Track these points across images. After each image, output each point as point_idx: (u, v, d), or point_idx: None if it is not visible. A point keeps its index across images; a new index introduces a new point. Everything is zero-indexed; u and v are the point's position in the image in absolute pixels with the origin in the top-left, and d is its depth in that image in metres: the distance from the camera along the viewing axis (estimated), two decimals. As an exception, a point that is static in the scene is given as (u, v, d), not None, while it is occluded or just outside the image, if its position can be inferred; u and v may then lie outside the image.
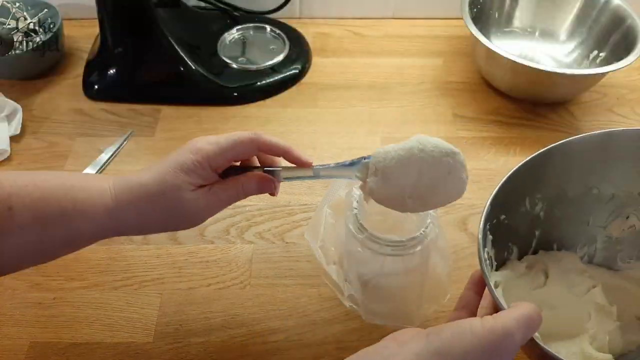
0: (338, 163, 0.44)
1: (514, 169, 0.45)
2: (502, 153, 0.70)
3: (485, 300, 0.43)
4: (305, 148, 0.70)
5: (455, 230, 0.62)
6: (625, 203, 0.50)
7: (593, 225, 0.52)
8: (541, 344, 0.36)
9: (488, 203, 0.43)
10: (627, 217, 0.51)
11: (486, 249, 0.43)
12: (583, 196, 0.50)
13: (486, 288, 0.43)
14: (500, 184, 0.44)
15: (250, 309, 0.55)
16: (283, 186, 0.65)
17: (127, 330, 0.53)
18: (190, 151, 0.41)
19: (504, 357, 0.33)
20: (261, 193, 0.45)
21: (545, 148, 0.46)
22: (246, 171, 0.44)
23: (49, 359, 0.51)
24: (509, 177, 0.44)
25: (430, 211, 0.46)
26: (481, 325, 0.33)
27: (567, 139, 0.46)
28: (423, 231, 0.45)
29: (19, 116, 0.70)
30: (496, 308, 0.42)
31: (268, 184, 0.44)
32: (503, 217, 0.46)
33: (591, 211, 0.51)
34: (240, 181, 0.43)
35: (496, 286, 0.47)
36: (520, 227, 0.49)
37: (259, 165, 0.46)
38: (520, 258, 0.51)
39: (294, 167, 0.44)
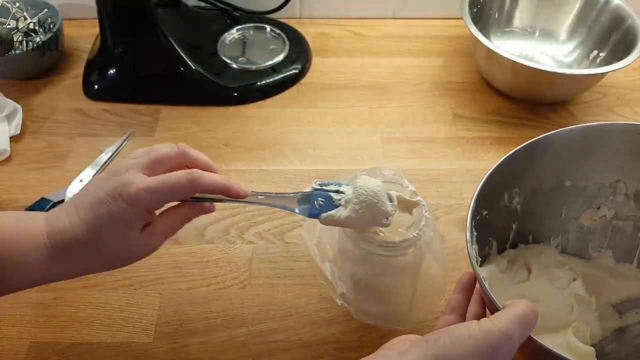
0: (278, 193, 0.45)
1: (495, 165, 0.46)
2: (502, 153, 0.69)
3: (474, 299, 0.44)
4: (305, 148, 0.70)
5: (455, 230, 0.62)
6: (597, 194, 0.52)
7: (566, 217, 0.53)
8: (536, 339, 0.36)
9: (473, 200, 0.44)
10: (598, 208, 0.53)
11: (474, 246, 0.44)
12: (557, 188, 0.52)
13: (474, 290, 0.44)
14: (483, 180, 0.45)
15: (250, 309, 0.55)
16: (283, 186, 0.65)
17: (127, 330, 0.53)
18: (125, 201, 0.38)
19: (502, 359, 0.33)
20: (202, 214, 0.44)
21: (525, 143, 0.47)
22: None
23: (49, 359, 0.51)
24: (491, 174, 0.45)
25: (426, 213, 0.46)
26: (478, 328, 0.33)
27: (546, 134, 0.48)
28: (417, 233, 0.45)
29: (19, 116, 0.70)
30: (485, 305, 0.43)
31: (210, 208, 0.44)
32: (485, 212, 0.47)
33: (564, 203, 0.53)
34: (181, 212, 0.42)
35: None
36: (499, 221, 0.50)
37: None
38: (499, 252, 0.53)
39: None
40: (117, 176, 0.39)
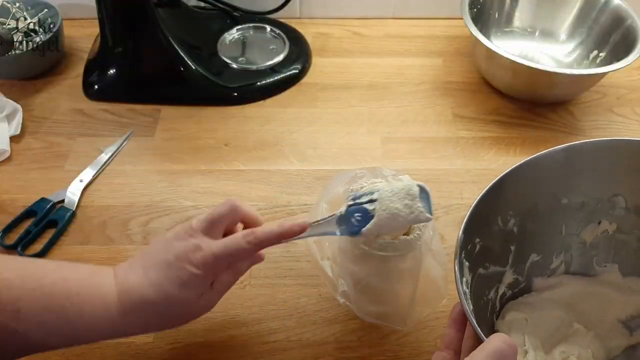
0: (318, 220, 0.45)
1: (483, 192, 0.45)
2: (502, 153, 0.70)
3: (468, 331, 0.42)
4: (305, 148, 0.70)
5: (455, 231, 0.61)
6: (595, 209, 0.51)
7: (567, 234, 0.52)
8: None
9: (461, 232, 0.43)
10: (599, 223, 0.52)
11: (464, 279, 0.42)
12: (553, 207, 0.50)
13: (467, 324, 0.41)
14: (471, 209, 0.44)
15: (250, 309, 0.55)
16: (283, 186, 0.65)
17: (127, 330, 0.53)
18: (195, 265, 0.41)
19: None
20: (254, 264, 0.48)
21: (513, 166, 0.46)
22: None
23: (49, 359, 0.51)
24: (479, 201, 0.44)
25: (426, 213, 0.45)
26: None
27: (535, 156, 0.47)
28: (417, 233, 0.45)
29: (19, 116, 0.70)
30: (478, 339, 0.41)
31: (259, 258, 0.48)
32: (477, 240, 0.45)
33: (563, 221, 0.52)
34: (235, 268, 0.45)
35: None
36: (495, 246, 0.49)
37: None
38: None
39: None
40: (183, 240, 0.42)
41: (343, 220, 0.44)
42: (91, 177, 0.65)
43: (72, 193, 0.63)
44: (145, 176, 0.66)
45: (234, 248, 0.42)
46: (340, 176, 0.51)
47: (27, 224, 0.61)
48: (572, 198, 0.50)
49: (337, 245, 0.49)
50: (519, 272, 0.52)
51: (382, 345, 0.53)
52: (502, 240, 0.49)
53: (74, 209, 0.62)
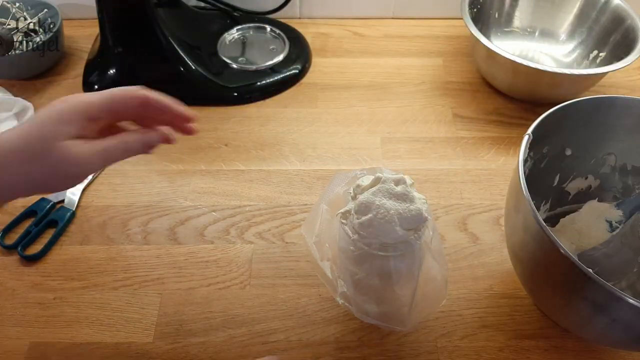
0: None
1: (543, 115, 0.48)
2: (502, 153, 0.70)
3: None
4: (305, 148, 0.70)
5: (455, 230, 0.62)
6: (589, 165, 0.55)
7: (558, 184, 0.57)
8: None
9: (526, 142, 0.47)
10: (586, 178, 0.57)
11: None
12: (558, 156, 0.54)
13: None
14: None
15: (250, 309, 0.55)
16: (283, 186, 0.65)
17: (127, 330, 0.53)
18: (62, 101, 0.38)
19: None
20: (148, 149, 0.43)
21: (556, 108, 0.49)
22: None
23: (49, 359, 0.51)
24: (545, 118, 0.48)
25: (425, 214, 0.45)
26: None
27: (567, 103, 0.50)
28: (417, 233, 0.45)
29: (30, 113, 0.69)
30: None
31: (165, 138, 0.44)
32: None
33: (559, 171, 0.56)
34: (126, 135, 0.42)
35: None
36: None
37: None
38: None
39: None
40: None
41: None
42: (91, 177, 0.65)
43: (72, 193, 0.63)
44: (145, 176, 0.66)
45: (120, 91, 0.40)
46: (340, 176, 0.51)
47: (27, 223, 0.61)
48: (575, 151, 0.54)
49: (337, 246, 0.49)
50: None
51: (382, 345, 0.53)
52: None
53: (73, 209, 0.62)
